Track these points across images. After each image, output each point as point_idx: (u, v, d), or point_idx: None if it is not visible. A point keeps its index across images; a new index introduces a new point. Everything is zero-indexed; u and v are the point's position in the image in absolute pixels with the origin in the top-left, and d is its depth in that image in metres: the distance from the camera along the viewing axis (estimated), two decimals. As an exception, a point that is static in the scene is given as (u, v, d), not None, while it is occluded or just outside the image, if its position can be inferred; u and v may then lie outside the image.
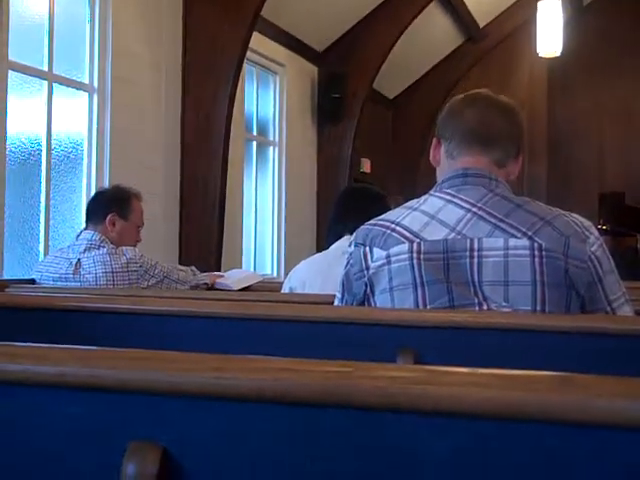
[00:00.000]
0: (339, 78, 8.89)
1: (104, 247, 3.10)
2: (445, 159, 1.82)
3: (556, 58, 9.44)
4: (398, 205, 1.83)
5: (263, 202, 8.34)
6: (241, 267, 7.10)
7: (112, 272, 3.04)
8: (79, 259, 3.08)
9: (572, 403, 0.66)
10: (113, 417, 0.81)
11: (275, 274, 8.43)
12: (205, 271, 3.80)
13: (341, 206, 2.92)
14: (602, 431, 0.65)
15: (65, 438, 0.82)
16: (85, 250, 3.09)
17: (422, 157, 11.07)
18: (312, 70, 9.11)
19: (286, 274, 4.85)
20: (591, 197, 10.64)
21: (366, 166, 10.24)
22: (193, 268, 3.51)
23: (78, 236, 3.22)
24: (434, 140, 1.86)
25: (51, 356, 0.83)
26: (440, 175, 1.82)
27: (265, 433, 0.77)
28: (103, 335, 1.89)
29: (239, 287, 3.49)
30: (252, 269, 7.58)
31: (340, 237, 2.79)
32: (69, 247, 3.20)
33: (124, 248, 3.14)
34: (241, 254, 7.55)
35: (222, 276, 3.63)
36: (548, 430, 0.67)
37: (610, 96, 11.14)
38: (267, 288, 3.61)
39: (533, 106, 10.33)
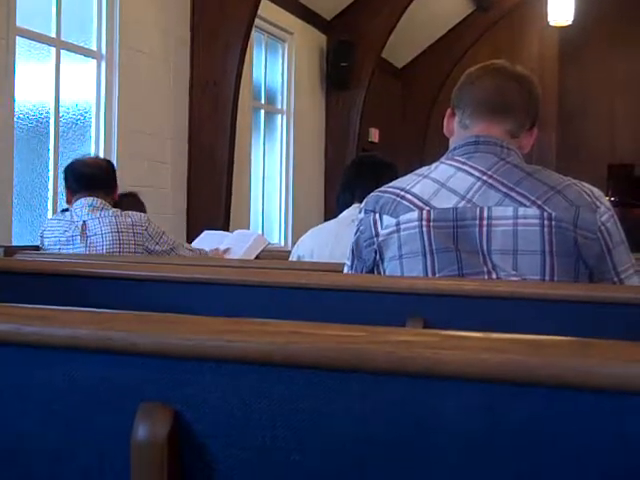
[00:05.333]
0: (348, 47, 8.83)
1: (108, 209, 3.13)
2: (458, 129, 1.81)
3: (567, 27, 9.36)
4: None
5: (271, 171, 8.32)
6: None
7: (118, 232, 3.07)
8: (84, 221, 3.10)
9: (588, 368, 0.65)
10: (124, 379, 0.81)
11: (282, 243, 8.43)
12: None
13: (350, 174, 2.92)
14: (618, 396, 0.65)
15: (77, 399, 0.83)
16: (89, 212, 3.12)
17: (430, 127, 11.02)
18: (321, 38, 9.05)
19: (293, 243, 4.84)
20: (600, 168, 10.60)
21: (374, 135, 10.20)
22: (203, 250, 3.50)
23: (75, 203, 3.21)
24: (448, 110, 1.84)
25: (64, 318, 0.83)
26: (453, 145, 1.81)
27: (276, 397, 0.77)
28: (114, 301, 1.90)
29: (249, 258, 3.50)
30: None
31: (349, 205, 2.78)
32: (70, 211, 3.21)
33: (129, 212, 3.17)
34: (249, 223, 7.55)
35: (227, 250, 3.63)
36: (563, 395, 0.67)
37: (622, 67, 11.05)
38: (275, 256, 3.61)
39: (543, 76, 10.23)
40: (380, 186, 1.81)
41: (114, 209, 3.16)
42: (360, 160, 3.21)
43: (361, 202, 1.85)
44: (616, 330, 1.53)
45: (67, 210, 3.37)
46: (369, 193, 1.82)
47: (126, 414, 0.79)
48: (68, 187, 3.28)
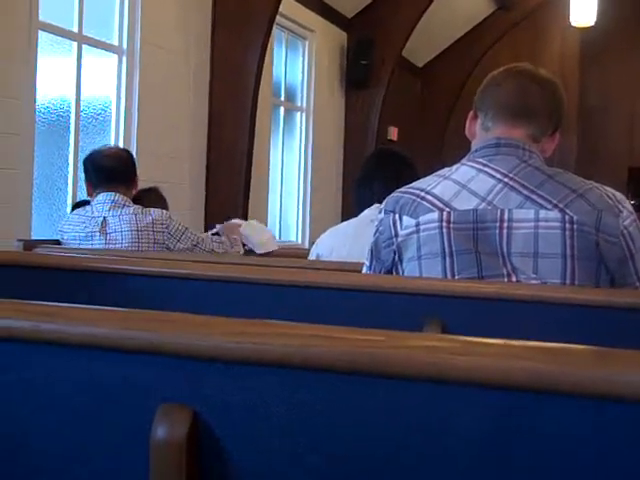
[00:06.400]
0: (368, 45, 8.82)
1: (130, 207, 3.13)
2: (480, 131, 1.80)
3: (589, 29, 9.30)
4: None
5: (289, 168, 8.33)
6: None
7: (137, 230, 3.06)
8: (105, 217, 3.10)
9: (608, 377, 0.65)
10: (144, 379, 0.81)
11: (300, 241, 8.43)
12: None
13: (369, 166, 2.89)
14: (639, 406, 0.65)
15: (96, 398, 0.83)
16: (110, 209, 3.11)
17: (449, 127, 10.99)
18: (341, 36, 9.04)
19: (310, 241, 4.83)
20: (620, 171, 10.53)
21: (393, 134, 10.18)
22: (232, 236, 3.50)
23: (96, 197, 3.21)
24: (471, 113, 1.83)
25: (85, 316, 0.83)
26: (474, 147, 1.80)
27: (294, 400, 0.76)
28: (132, 298, 1.90)
29: (261, 251, 3.51)
30: (277, 236, 7.59)
31: (366, 199, 2.76)
32: (91, 207, 3.21)
33: (151, 209, 3.16)
34: (266, 220, 7.56)
35: (239, 225, 3.63)
36: (583, 404, 0.67)
37: (644, 69, 10.95)
38: (293, 254, 3.61)
39: (564, 77, 10.16)
40: (399, 182, 1.81)
41: (135, 206, 3.15)
42: (379, 152, 3.19)
43: (380, 198, 1.84)
44: (637, 337, 1.51)
45: (85, 202, 3.38)
46: (387, 187, 1.82)
47: (145, 414, 0.78)
48: (88, 180, 3.28)
